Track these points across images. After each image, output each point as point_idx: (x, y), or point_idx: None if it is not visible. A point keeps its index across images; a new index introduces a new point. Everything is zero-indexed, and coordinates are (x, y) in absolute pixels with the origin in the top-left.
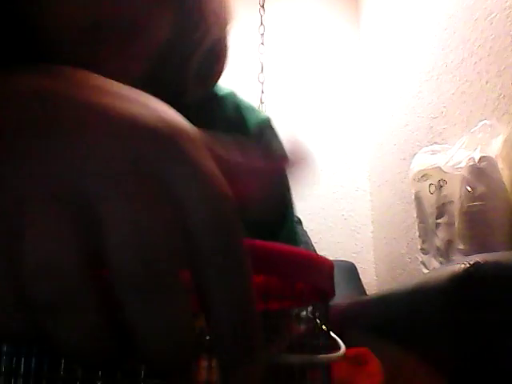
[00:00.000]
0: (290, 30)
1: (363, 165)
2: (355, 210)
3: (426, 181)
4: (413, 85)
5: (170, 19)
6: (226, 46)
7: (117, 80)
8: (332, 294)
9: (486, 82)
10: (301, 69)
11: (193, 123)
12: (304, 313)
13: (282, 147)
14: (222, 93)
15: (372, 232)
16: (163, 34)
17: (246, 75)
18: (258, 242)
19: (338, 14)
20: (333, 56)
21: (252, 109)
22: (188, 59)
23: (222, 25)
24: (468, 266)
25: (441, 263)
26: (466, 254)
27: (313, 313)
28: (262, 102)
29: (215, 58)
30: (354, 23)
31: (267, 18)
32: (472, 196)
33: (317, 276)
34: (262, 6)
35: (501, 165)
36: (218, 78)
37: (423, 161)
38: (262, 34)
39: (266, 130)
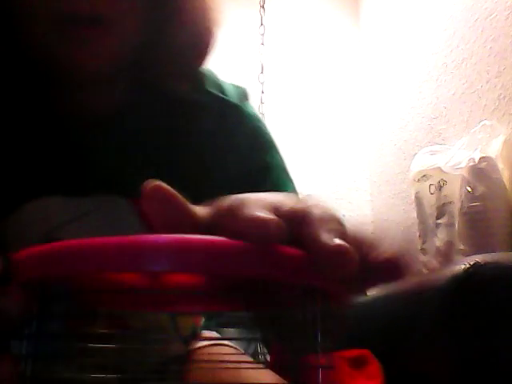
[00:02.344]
0: (290, 30)
1: (363, 165)
2: (355, 210)
3: (426, 181)
4: (413, 85)
5: (138, 13)
6: (208, 41)
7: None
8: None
9: (486, 82)
10: (301, 69)
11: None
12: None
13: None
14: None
15: (372, 232)
16: (132, 27)
17: (246, 76)
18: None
19: (339, 15)
20: (333, 56)
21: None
22: (165, 54)
23: (202, 19)
24: (468, 266)
25: (441, 264)
26: (466, 254)
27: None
28: (262, 103)
29: (196, 53)
30: (355, 24)
31: (267, 18)
32: (472, 196)
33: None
34: (262, 6)
35: (501, 165)
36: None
37: (423, 161)
38: (262, 35)
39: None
